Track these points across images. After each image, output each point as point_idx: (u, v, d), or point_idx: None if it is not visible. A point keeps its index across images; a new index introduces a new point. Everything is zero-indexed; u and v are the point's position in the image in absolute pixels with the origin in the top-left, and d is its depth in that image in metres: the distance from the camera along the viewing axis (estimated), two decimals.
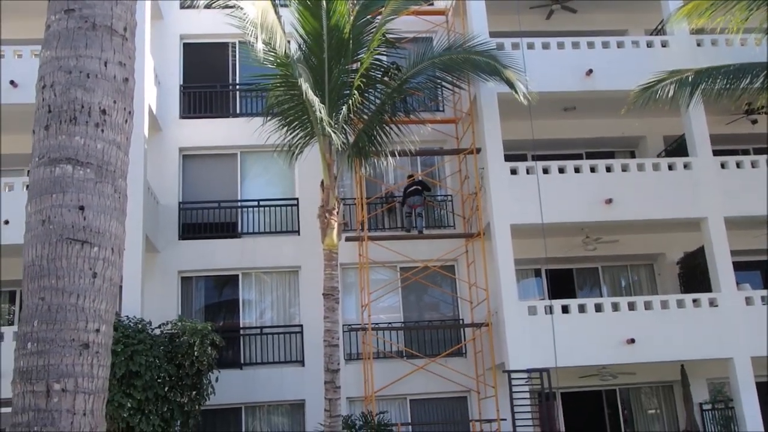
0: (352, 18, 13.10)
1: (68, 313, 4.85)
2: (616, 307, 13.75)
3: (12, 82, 13.69)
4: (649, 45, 15.50)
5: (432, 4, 15.97)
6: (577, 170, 14.56)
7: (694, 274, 15.57)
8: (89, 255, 4.94)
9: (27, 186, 12.69)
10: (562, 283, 16.27)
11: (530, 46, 15.10)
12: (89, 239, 4.95)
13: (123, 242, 5.25)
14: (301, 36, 13.00)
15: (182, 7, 16.69)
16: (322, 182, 12.65)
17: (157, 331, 12.55)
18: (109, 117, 5.02)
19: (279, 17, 12.20)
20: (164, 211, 15.31)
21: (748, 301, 14.03)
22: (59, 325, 4.83)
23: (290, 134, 13.03)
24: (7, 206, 12.87)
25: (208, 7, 12.59)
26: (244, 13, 11.93)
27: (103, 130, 4.99)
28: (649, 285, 16.63)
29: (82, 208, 4.93)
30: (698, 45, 15.44)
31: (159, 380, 11.74)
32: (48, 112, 4.93)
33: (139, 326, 12.16)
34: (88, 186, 4.93)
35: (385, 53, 14.07)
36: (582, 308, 13.68)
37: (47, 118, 4.93)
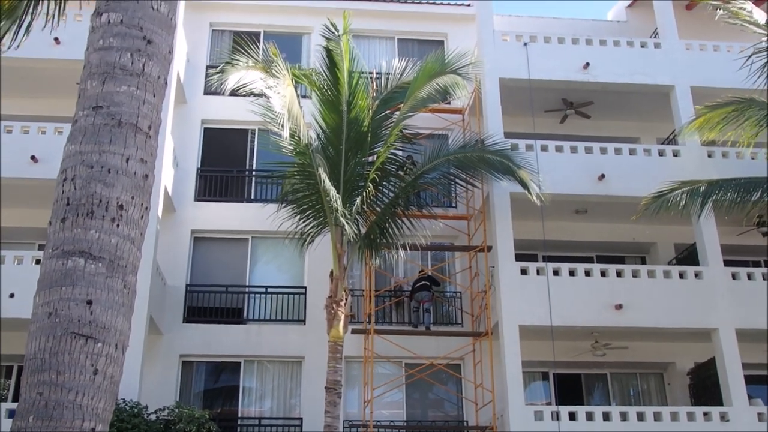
0: (371, 112, 13.37)
1: (65, 410, 4.73)
2: (624, 416, 13.32)
3: (33, 157, 13.87)
4: (661, 153, 15.65)
5: (449, 103, 16.27)
6: (587, 273, 14.42)
7: (705, 386, 15.14)
8: (92, 351, 4.85)
9: (36, 260, 12.71)
10: (570, 389, 15.84)
11: (544, 148, 15.27)
12: (94, 334, 4.87)
13: (127, 339, 5.15)
14: (320, 127, 13.25)
15: (206, 93, 17.08)
16: (332, 272, 12.58)
17: (153, 417, 12.20)
18: (125, 212, 5.03)
19: (301, 108, 12.45)
20: (171, 292, 15.18)
21: (760, 417, 13.57)
22: (55, 422, 4.71)
23: (303, 222, 13.07)
24: (15, 279, 12.77)
25: (233, 94, 12.90)
26: (267, 102, 12.20)
27: (118, 225, 4.99)
28: (659, 395, 16.17)
29: (90, 302, 4.88)
30: (709, 156, 15.57)
31: None
32: (66, 205, 4.93)
33: (135, 410, 11.83)
34: (98, 280, 4.90)
35: (401, 148, 14.29)
36: (590, 416, 13.25)
37: (65, 211, 4.93)
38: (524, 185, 13.50)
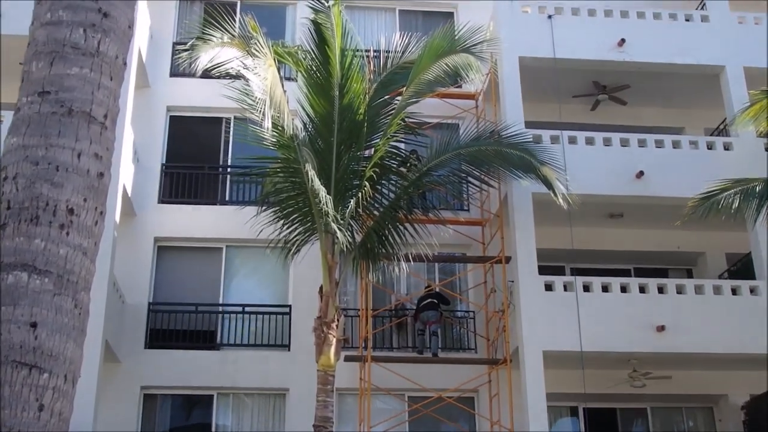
0: (367, 98, 13.36)
1: None
2: None
3: None
4: (710, 147, 15.68)
5: (460, 87, 16.26)
6: (623, 289, 14.44)
7: (763, 422, 15.12)
8: (37, 383, 4.82)
9: None
10: (604, 426, 15.82)
11: (572, 141, 15.30)
12: (39, 363, 4.85)
13: (79, 368, 5.13)
14: (308, 115, 13.23)
15: (173, 74, 17.06)
16: (321, 288, 12.55)
17: None
18: (76, 217, 5.00)
19: (284, 92, 12.43)
20: (131, 312, 15.14)
21: None
22: None
23: (287, 228, 13.03)
24: None
25: (205, 76, 12.87)
26: (245, 85, 12.17)
27: (68, 233, 4.96)
28: None
29: (34, 325, 4.85)
30: (767, 150, 15.57)
31: None
32: (6, 209, 4.92)
33: None
34: (44, 299, 4.87)
35: (403, 140, 14.27)
36: None
37: (5, 216, 4.91)
38: (549, 185, 13.48)
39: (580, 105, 17.34)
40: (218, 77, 12.64)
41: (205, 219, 16.05)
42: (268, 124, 11.28)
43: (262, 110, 11.28)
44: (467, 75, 13.42)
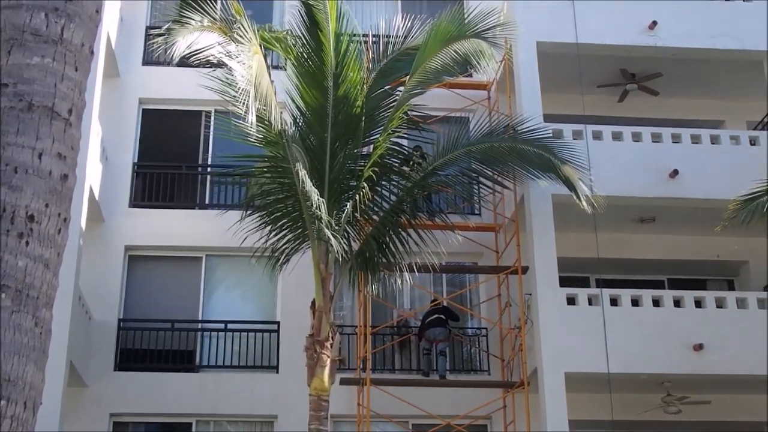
0: (366, 88, 13.39)
1: None
2: None
3: None
4: (753, 142, 15.72)
5: (471, 76, 16.30)
6: (656, 303, 14.48)
7: None
8: None
9: None
10: None
11: (597, 136, 15.33)
12: None
13: (40, 394, 5.13)
14: (298, 108, 13.28)
15: (146, 63, 17.10)
16: (314, 302, 12.57)
17: None
18: (37, 225, 4.99)
19: (272, 82, 12.46)
20: (98, 330, 15.17)
21: None
22: None
23: (275, 235, 13.06)
24: None
25: (182, 64, 12.87)
26: (227, 74, 12.20)
27: (28, 243, 4.95)
28: None
29: None
30: None
31: None
32: None
33: None
34: (1, 317, 4.87)
35: (406, 135, 14.31)
36: None
37: None
38: (570, 185, 13.54)
39: (605, 96, 17.37)
40: (197, 66, 12.65)
41: (183, 225, 16.08)
42: (252, 118, 11.30)
43: (246, 102, 11.31)
44: (478, 63, 13.44)
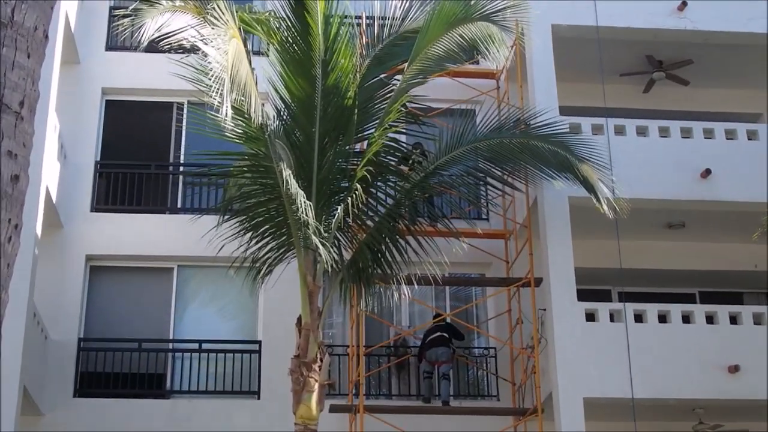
0: (359, 77, 13.40)
1: None
2: None
3: None
4: None
5: (478, 63, 16.30)
6: (686, 319, 14.53)
7: None
8: None
9: None
10: None
11: (619, 131, 15.37)
12: None
13: None
14: (282, 99, 13.29)
15: (110, 48, 17.09)
16: (299, 319, 12.57)
17: None
18: None
19: (252, 70, 12.43)
20: (56, 351, 15.16)
21: None
22: None
23: (256, 243, 13.06)
24: None
25: (151, 50, 12.83)
26: (202, 61, 12.15)
27: None
28: None
29: None
30: None
31: None
32: None
33: None
34: None
35: (404, 130, 14.32)
36: None
37: None
38: (589, 187, 13.57)
39: (629, 86, 17.44)
40: (168, 51, 12.61)
41: (151, 232, 16.11)
42: (228, 110, 11.25)
43: (222, 92, 11.26)
44: (487, 48, 13.41)
